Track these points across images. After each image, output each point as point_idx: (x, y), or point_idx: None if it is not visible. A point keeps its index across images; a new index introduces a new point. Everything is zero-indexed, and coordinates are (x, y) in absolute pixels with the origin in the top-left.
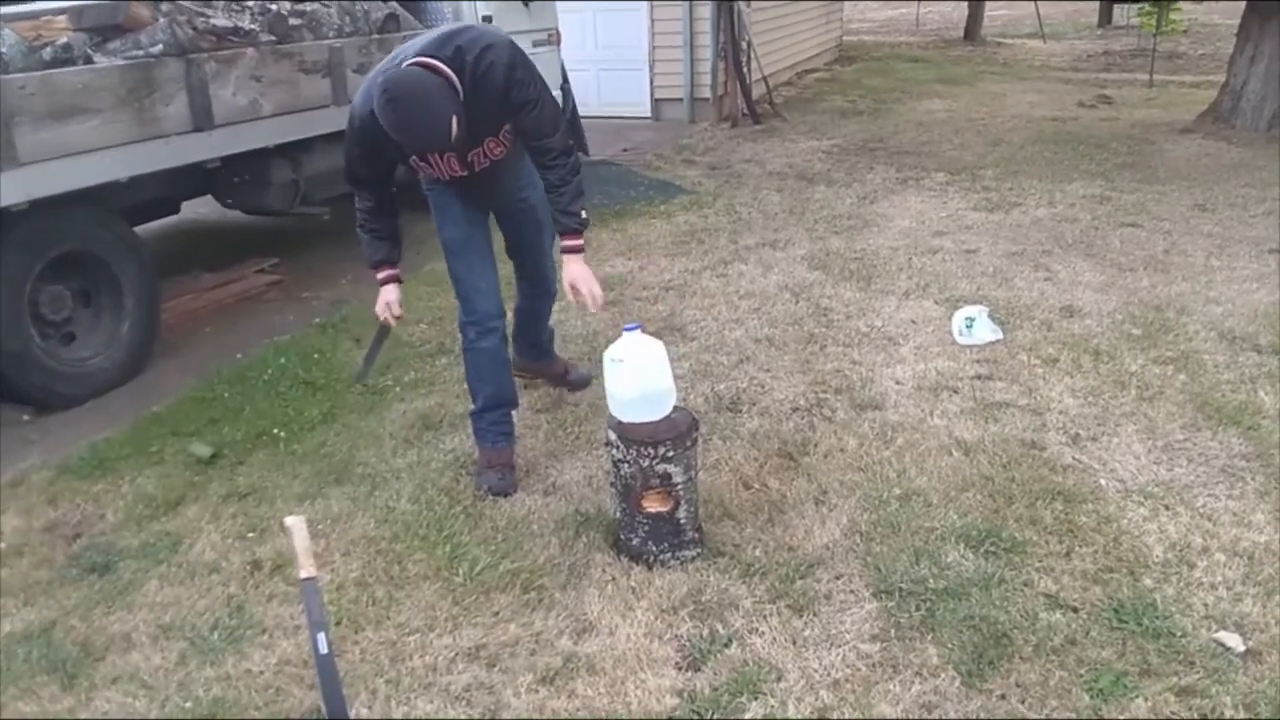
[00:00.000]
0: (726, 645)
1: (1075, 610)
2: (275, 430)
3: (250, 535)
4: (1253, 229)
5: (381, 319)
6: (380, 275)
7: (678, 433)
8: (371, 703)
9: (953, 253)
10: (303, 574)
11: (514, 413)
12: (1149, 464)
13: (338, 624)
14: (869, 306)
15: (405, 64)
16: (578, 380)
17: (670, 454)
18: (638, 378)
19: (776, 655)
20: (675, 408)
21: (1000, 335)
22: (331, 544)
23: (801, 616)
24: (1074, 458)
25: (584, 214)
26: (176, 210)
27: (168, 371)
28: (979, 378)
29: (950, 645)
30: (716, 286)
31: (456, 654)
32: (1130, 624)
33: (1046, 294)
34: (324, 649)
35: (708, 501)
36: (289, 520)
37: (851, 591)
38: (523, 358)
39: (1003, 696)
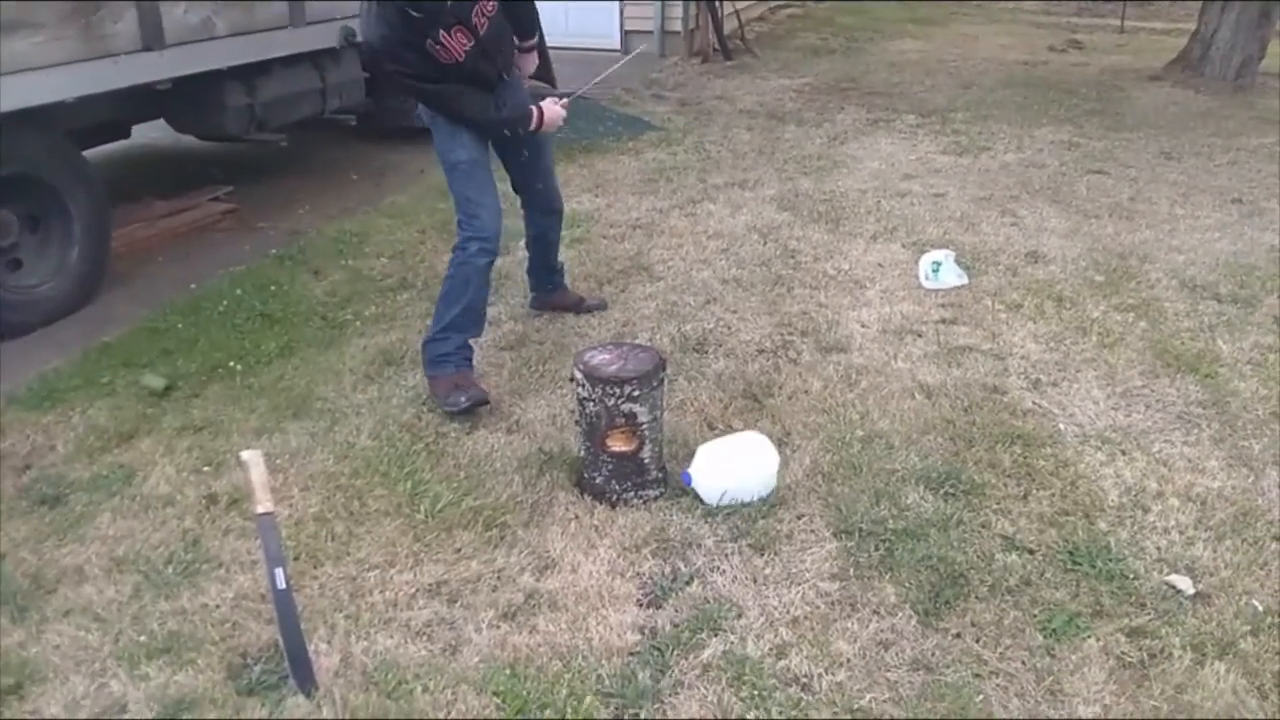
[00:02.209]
0: (688, 583)
1: (1031, 552)
2: (231, 363)
3: (206, 469)
4: (1217, 178)
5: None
6: (534, 106)
7: (644, 372)
8: (330, 637)
9: (921, 196)
10: (259, 509)
11: (474, 343)
12: (1107, 409)
13: (296, 559)
14: (837, 249)
15: None
16: (595, 304)
17: (636, 393)
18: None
19: (737, 593)
20: (642, 348)
21: (965, 280)
22: (290, 479)
23: (762, 555)
24: (1034, 402)
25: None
26: (127, 134)
27: (118, 301)
28: (943, 322)
29: (908, 584)
30: (684, 226)
31: (417, 590)
32: (1084, 566)
33: (1012, 239)
34: (281, 584)
35: (672, 441)
36: (245, 454)
37: (812, 531)
38: (539, 293)
39: (958, 635)
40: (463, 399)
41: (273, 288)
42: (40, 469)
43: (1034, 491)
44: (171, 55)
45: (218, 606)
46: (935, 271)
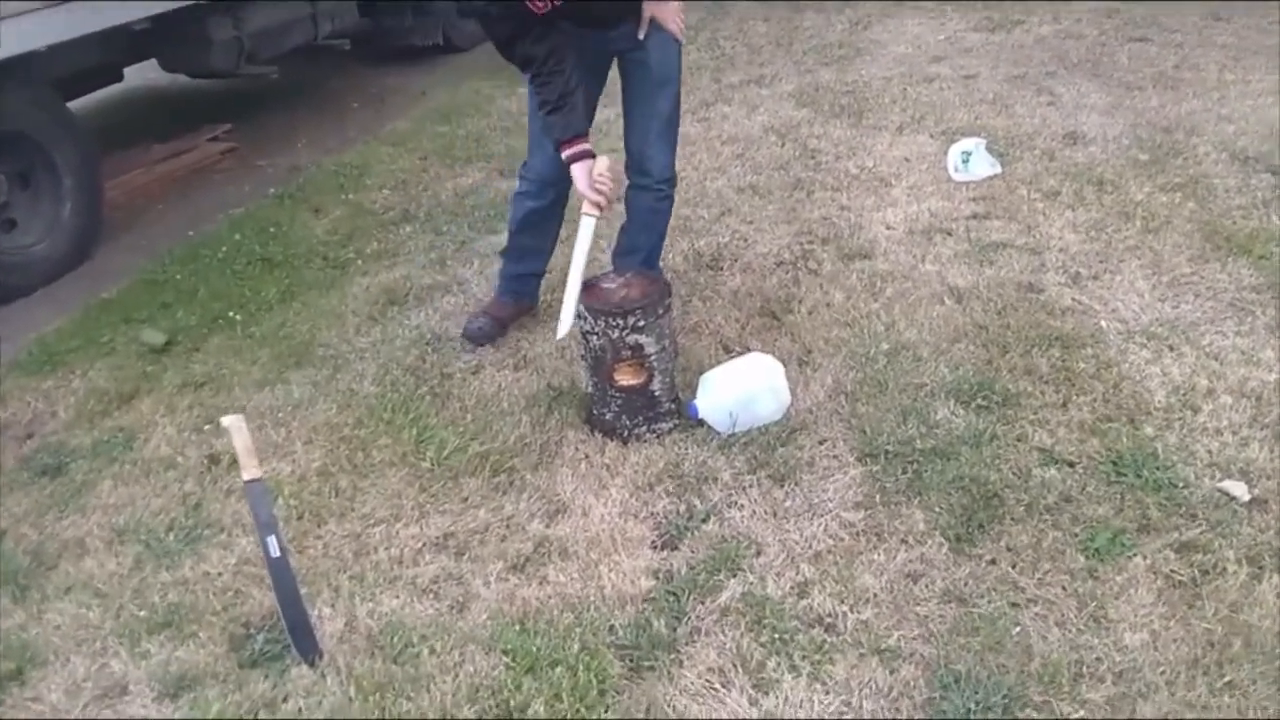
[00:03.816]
0: (704, 521)
1: (1071, 465)
2: (231, 313)
3: (207, 428)
4: (1270, 37)
5: (585, 210)
6: (569, 151)
7: (649, 301)
8: (335, 600)
9: (950, 80)
10: (246, 476)
11: (537, 280)
12: (1153, 302)
13: (299, 518)
14: (860, 145)
15: None
16: None
17: (641, 324)
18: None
19: (756, 529)
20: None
21: (999, 169)
22: (292, 433)
23: (782, 486)
24: (1074, 299)
25: None
26: (119, 78)
27: (118, 253)
28: (975, 217)
29: (938, 509)
30: (697, 132)
31: (423, 544)
32: (1129, 477)
33: (1049, 120)
34: (275, 551)
35: (685, 369)
36: (226, 420)
37: (835, 457)
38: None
39: (992, 561)
40: (465, 327)
41: (272, 229)
42: (42, 437)
43: (1074, 398)
44: None
45: (219, 574)
46: (965, 162)
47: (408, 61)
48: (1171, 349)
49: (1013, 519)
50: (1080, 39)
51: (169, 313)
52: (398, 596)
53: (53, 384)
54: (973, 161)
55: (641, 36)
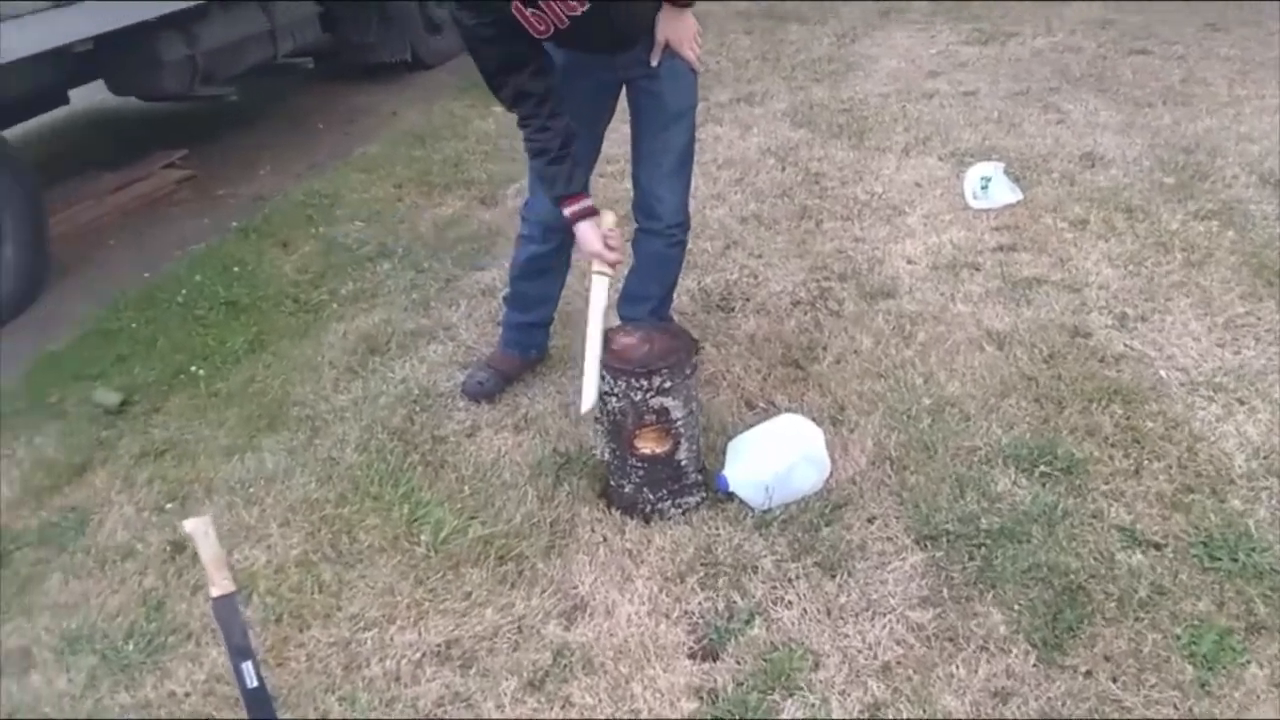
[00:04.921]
0: (748, 622)
1: (1158, 547)
2: (193, 367)
3: (169, 506)
4: (1273, 49)
5: (597, 269)
6: (572, 209)
7: (675, 359)
8: None
9: (950, 96)
10: (215, 591)
11: (544, 330)
12: (1211, 346)
13: (277, 620)
14: (865, 168)
15: None
16: None
17: (667, 385)
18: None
19: (810, 633)
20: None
21: (1019, 195)
22: (267, 511)
23: (834, 577)
24: (1125, 344)
25: None
26: (64, 100)
27: (68, 296)
28: (1001, 249)
29: (1017, 606)
30: None
31: (423, 654)
32: (1224, 561)
33: (1062, 140)
34: (252, 681)
35: (708, 429)
36: (189, 525)
37: (889, 538)
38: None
39: (1089, 674)
40: (462, 382)
41: (236, 269)
42: None
43: (1146, 464)
44: (87, 10)
45: (187, 695)
46: (985, 188)
47: (375, 79)
48: (1241, 403)
49: (1104, 618)
50: (1079, 52)
51: (124, 367)
52: None
53: None
54: (992, 187)
55: (655, 63)
